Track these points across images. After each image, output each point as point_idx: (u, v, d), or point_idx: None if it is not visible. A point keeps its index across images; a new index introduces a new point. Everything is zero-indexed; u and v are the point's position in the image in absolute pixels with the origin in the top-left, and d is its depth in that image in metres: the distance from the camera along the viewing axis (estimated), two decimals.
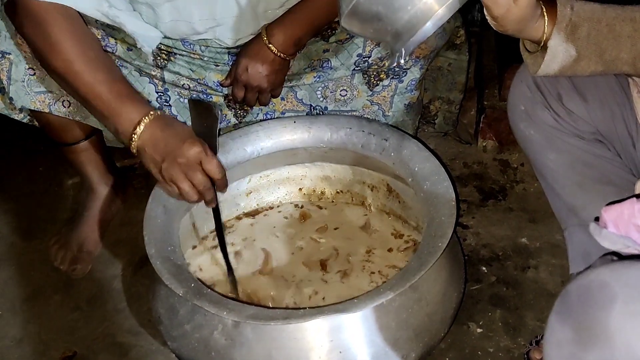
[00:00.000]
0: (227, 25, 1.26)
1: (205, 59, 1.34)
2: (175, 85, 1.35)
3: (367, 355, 1.05)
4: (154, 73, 1.34)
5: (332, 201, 1.46)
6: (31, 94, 1.28)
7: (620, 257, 0.79)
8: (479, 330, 1.25)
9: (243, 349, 1.04)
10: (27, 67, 1.26)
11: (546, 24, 0.92)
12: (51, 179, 1.70)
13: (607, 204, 0.74)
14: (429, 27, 0.84)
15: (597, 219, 0.75)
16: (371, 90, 1.40)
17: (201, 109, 1.15)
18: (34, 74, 1.27)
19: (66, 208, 1.60)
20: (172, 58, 1.33)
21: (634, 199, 0.74)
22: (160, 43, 1.30)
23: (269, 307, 1.05)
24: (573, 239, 1.12)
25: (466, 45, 1.49)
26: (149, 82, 1.35)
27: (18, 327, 1.32)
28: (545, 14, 0.92)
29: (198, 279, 1.10)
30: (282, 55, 1.26)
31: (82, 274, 1.41)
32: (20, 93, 1.28)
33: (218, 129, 1.14)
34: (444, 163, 1.28)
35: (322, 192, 1.46)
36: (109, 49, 1.27)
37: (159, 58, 1.32)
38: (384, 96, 1.40)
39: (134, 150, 1.09)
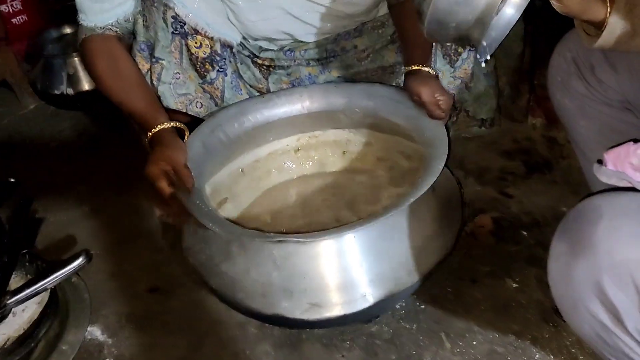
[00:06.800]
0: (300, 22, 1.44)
1: (304, 61, 1.51)
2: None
3: (365, 275, 1.14)
4: (260, 85, 1.53)
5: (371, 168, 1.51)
6: (175, 96, 1.46)
7: None
8: (514, 285, 1.34)
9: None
10: (175, 72, 1.43)
11: (608, 4, 0.95)
12: (139, 146, 1.91)
13: (609, 148, 0.85)
14: (512, 14, 0.85)
15: (599, 162, 0.86)
16: (453, 67, 1.48)
17: None
18: (179, 77, 1.45)
19: None
20: (272, 69, 1.53)
21: (631, 142, 0.84)
22: (263, 58, 1.51)
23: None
24: None
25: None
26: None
27: (112, 264, 1.51)
28: None
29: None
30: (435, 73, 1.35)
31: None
32: (167, 94, 1.45)
33: None
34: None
35: (363, 157, 1.51)
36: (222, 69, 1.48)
37: (262, 68, 1.52)
38: (465, 69, 1.49)
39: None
